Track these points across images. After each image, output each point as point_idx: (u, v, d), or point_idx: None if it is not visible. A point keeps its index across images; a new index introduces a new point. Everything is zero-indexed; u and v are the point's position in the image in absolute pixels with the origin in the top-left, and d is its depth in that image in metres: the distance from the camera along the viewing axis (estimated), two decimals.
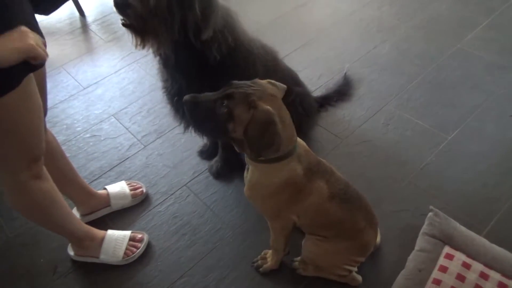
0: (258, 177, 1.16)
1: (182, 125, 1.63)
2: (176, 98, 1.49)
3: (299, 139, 1.17)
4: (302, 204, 1.18)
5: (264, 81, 1.07)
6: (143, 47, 1.32)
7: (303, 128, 1.86)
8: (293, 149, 1.10)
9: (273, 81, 1.10)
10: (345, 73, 2.19)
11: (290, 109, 1.62)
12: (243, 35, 1.45)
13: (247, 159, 1.15)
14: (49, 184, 1.23)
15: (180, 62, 1.37)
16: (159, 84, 2.30)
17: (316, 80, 2.25)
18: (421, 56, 2.38)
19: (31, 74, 1.01)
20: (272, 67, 1.59)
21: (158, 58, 1.44)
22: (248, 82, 1.03)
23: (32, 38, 0.92)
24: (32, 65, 0.98)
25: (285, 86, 1.13)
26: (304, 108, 1.78)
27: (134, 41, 1.31)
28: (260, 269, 1.47)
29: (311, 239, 1.32)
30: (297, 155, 1.12)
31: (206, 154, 1.92)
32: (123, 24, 1.26)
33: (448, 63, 2.31)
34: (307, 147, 1.21)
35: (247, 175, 1.20)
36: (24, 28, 0.92)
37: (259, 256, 1.50)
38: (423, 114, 2.04)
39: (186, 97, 1.03)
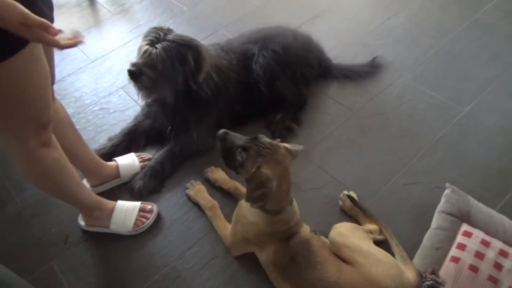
0: (244, 205, 1.33)
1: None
2: (169, 128, 1.75)
3: (296, 218, 1.29)
4: (257, 253, 1.35)
5: (282, 145, 1.23)
6: (148, 99, 1.67)
7: (298, 100, 1.94)
8: (274, 211, 1.24)
9: (289, 146, 1.25)
10: (375, 58, 2.11)
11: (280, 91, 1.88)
12: (220, 63, 1.71)
13: None
14: (58, 152, 1.22)
15: (178, 104, 1.63)
16: None
17: (327, 53, 2.18)
18: (437, 27, 2.31)
19: None
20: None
21: (151, 102, 1.74)
22: (268, 143, 1.19)
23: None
24: None
25: (301, 147, 1.28)
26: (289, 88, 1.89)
27: (141, 95, 1.61)
28: (186, 191, 1.66)
29: None
30: (272, 218, 1.25)
31: (114, 143, 1.81)
32: (134, 84, 1.55)
33: (465, 35, 2.24)
34: (290, 224, 1.27)
35: None
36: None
37: (189, 184, 1.66)
38: (438, 86, 1.98)
39: (220, 131, 1.26)
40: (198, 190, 1.62)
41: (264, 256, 1.30)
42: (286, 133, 1.83)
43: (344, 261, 1.22)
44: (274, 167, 1.17)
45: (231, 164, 1.25)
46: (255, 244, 1.33)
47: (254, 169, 1.15)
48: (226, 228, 1.46)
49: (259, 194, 1.15)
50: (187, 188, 1.66)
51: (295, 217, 1.29)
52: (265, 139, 1.21)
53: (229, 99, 1.75)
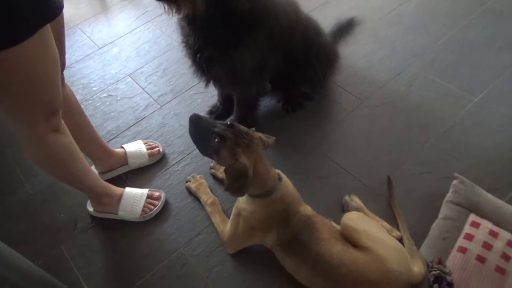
0: (241, 199, 1.34)
1: (203, 81, 1.63)
2: (198, 54, 1.48)
3: (290, 194, 1.28)
4: (263, 240, 1.33)
5: (256, 135, 1.22)
6: (179, 14, 1.29)
7: (327, 76, 1.89)
8: (265, 193, 1.24)
9: (265, 136, 1.26)
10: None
11: (314, 61, 1.69)
12: None
13: None
14: (68, 138, 1.22)
15: (208, 19, 1.32)
16: (174, 43, 2.28)
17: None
18: (449, 14, 2.26)
19: (48, 25, 0.98)
20: (294, 18, 1.57)
21: (183, 16, 1.38)
22: (243, 131, 1.17)
23: None
24: (47, 15, 0.95)
25: (273, 138, 1.29)
26: (328, 57, 1.78)
27: (168, 9, 1.27)
28: (187, 184, 1.65)
29: None
30: (267, 200, 1.25)
31: (215, 114, 1.89)
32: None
33: (478, 22, 2.19)
34: (286, 201, 1.26)
35: None
36: None
37: (190, 177, 1.66)
38: (449, 75, 1.95)
39: (193, 114, 1.20)
40: (199, 184, 1.62)
41: (269, 240, 1.31)
42: (297, 108, 1.88)
43: (354, 245, 1.22)
44: (249, 156, 1.16)
45: (204, 150, 1.24)
46: (259, 230, 1.32)
47: (232, 160, 1.14)
48: (225, 224, 1.46)
49: (238, 185, 1.14)
50: (188, 181, 1.65)
51: (288, 192, 1.28)
52: (241, 127, 1.19)
53: (269, 37, 1.48)
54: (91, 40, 2.40)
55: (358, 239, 1.21)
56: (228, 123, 1.19)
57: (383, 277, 1.13)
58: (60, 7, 1.05)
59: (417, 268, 1.22)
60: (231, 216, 1.41)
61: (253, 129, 1.23)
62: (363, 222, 1.29)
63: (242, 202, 1.33)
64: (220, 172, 1.66)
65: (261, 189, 1.23)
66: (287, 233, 1.25)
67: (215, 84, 1.67)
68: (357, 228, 1.24)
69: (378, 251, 1.16)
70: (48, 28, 0.98)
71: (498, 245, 1.31)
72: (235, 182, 1.14)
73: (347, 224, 1.26)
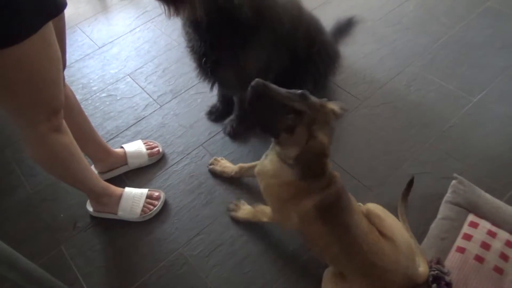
0: (272, 167, 1.18)
1: (207, 84, 1.64)
2: (204, 59, 1.47)
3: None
4: (297, 207, 1.18)
5: (330, 106, 1.07)
6: (177, 16, 1.28)
7: (328, 74, 1.88)
8: None
9: (336, 107, 1.09)
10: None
11: (316, 59, 1.69)
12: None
13: (272, 151, 1.17)
14: (68, 138, 1.23)
15: (211, 24, 1.32)
16: (174, 43, 2.29)
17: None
18: (448, 14, 2.26)
19: (50, 24, 0.98)
20: (297, 17, 1.57)
21: (185, 21, 1.40)
22: (318, 103, 1.03)
23: None
24: (49, 13, 0.95)
25: (344, 107, 1.12)
26: (329, 55, 1.78)
27: (167, 11, 1.26)
28: (231, 212, 1.54)
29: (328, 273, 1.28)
30: None
31: (215, 115, 1.89)
32: None
33: (477, 22, 2.19)
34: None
35: (265, 158, 1.21)
36: None
37: (234, 203, 1.55)
38: (448, 75, 1.95)
39: (258, 82, 0.99)
40: (243, 210, 1.52)
41: (303, 206, 1.15)
42: None
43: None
44: (327, 134, 1.02)
45: (268, 126, 1.05)
46: (294, 198, 1.18)
47: (309, 138, 1.00)
48: (267, 208, 1.37)
49: (315, 168, 1.03)
50: (231, 210, 1.55)
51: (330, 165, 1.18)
52: (314, 98, 1.03)
53: (273, 37, 1.48)
54: (91, 39, 2.40)
55: (380, 226, 1.22)
56: (299, 92, 1.01)
57: (393, 266, 1.15)
58: (63, 5, 1.05)
59: (423, 268, 1.23)
60: (268, 198, 1.28)
61: (326, 99, 1.08)
62: (385, 212, 1.30)
63: (275, 170, 1.17)
64: (219, 166, 1.66)
65: None
66: (331, 197, 1.13)
67: (220, 87, 1.67)
68: (381, 215, 1.24)
69: (395, 241, 1.17)
70: (50, 26, 0.98)
71: (497, 245, 1.31)
72: (312, 166, 1.02)
73: (372, 210, 1.26)
